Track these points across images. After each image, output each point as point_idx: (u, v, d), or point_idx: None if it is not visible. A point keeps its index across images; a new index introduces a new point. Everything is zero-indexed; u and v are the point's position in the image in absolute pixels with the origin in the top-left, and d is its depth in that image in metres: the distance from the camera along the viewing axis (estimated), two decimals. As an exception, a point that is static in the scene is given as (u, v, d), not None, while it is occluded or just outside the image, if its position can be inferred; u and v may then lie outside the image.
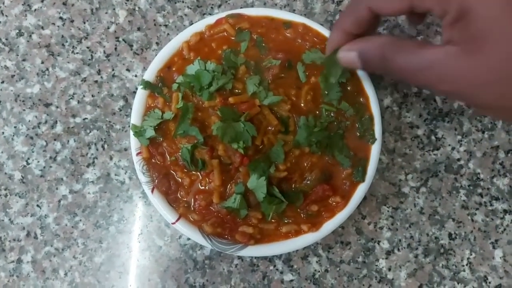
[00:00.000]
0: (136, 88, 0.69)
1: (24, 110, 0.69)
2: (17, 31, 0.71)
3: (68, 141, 0.69)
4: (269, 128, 0.60)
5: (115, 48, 0.70)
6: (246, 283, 0.65)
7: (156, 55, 0.64)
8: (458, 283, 0.65)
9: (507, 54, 0.29)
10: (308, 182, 0.60)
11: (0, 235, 0.67)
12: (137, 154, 0.61)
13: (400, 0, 0.32)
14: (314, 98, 0.62)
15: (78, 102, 0.69)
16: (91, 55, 0.70)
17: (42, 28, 0.71)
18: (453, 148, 0.68)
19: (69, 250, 0.66)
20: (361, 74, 0.62)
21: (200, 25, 0.64)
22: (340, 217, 0.60)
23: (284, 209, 0.59)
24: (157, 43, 0.70)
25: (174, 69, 0.63)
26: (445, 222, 0.67)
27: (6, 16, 0.72)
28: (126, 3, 0.71)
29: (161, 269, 0.66)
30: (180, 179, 0.61)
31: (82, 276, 0.66)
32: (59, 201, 0.67)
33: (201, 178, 0.60)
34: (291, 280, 0.65)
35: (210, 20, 0.64)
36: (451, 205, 0.67)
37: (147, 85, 0.62)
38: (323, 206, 0.60)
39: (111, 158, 0.68)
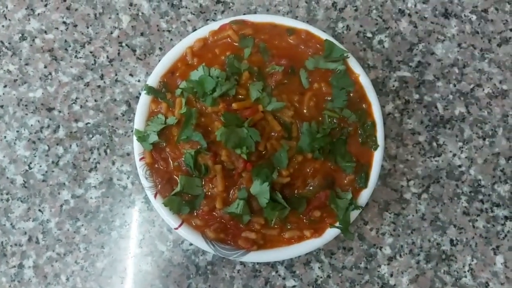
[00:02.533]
0: (139, 93, 0.69)
1: (26, 114, 0.69)
2: (20, 35, 0.71)
3: (71, 145, 0.69)
4: (272, 134, 0.60)
5: (118, 53, 0.71)
6: (248, 288, 0.65)
7: (159, 60, 0.64)
8: (459, 289, 0.66)
9: None
10: (311, 188, 0.60)
11: (1, 240, 0.67)
12: (140, 159, 0.61)
13: None
14: (317, 104, 0.62)
15: (81, 106, 0.69)
16: (94, 60, 0.71)
17: (45, 32, 0.71)
18: (454, 155, 0.69)
19: (71, 255, 0.66)
20: (363, 81, 0.62)
21: (204, 31, 0.64)
22: (343, 223, 0.60)
23: (287, 215, 0.59)
24: (160, 49, 0.71)
25: (177, 74, 0.63)
26: (446, 228, 0.67)
27: (9, 20, 0.72)
28: (129, 8, 0.72)
29: (163, 274, 0.66)
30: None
31: (84, 281, 0.66)
32: (61, 206, 0.67)
33: (204, 183, 0.60)
34: (294, 286, 0.65)
35: (213, 26, 0.64)
36: (452, 211, 0.67)
37: (150, 90, 0.62)
38: (326, 212, 0.60)
39: (113, 163, 0.68)
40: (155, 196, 0.60)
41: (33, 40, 0.71)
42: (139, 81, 0.70)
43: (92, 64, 0.70)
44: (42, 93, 0.70)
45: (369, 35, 0.72)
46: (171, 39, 0.71)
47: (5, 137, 0.69)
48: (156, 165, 0.61)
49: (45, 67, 0.71)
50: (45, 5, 0.72)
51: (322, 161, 0.61)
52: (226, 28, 0.64)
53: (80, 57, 0.71)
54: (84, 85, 0.70)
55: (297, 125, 0.61)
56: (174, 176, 0.61)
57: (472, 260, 0.66)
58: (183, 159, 0.60)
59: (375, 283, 0.66)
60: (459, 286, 0.66)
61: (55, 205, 0.67)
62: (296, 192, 0.60)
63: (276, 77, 0.62)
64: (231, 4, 0.72)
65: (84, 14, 0.72)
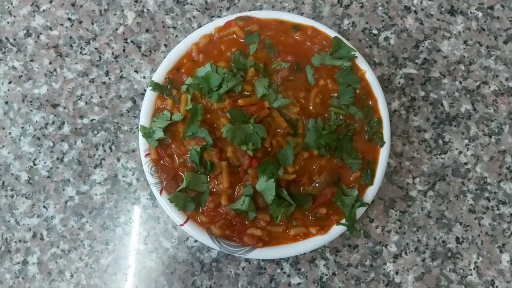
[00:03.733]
0: (144, 90, 0.69)
1: (31, 110, 0.69)
2: (25, 31, 0.71)
3: (76, 142, 0.68)
4: (278, 130, 0.60)
5: (124, 50, 0.70)
6: (253, 286, 0.65)
7: (164, 56, 0.64)
8: (465, 287, 0.65)
9: None
10: (317, 185, 0.60)
11: (6, 236, 0.67)
12: (146, 155, 0.61)
13: None
14: (323, 101, 0.62)
15: (86, 103, 0.69)
16: (99, 56, 0.70)
17: (50, 28, 0.71)
18: (460, 152, 0.68)
19: (76, 251, 0.66)
20: (369, 77, 0.62)
21: (209, 27, 0.64)
22: (349, 220, 0.60)
23: (292, 212, 0.59)
24: (165, 45, 0.71)
25: (183, 70, 0.63)
26: (452, 226, 0.67)
27: (14, 16, 0.72)
28: (134, 5, 0.72)
29: (167, 271, 0.65)
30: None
31: (88, 278, 0.65)
32: (66, 202, 0.67)
33: (209, 180, 0.60)
34: (299, 283, 0.65)
35: (219, 22, 0.64)
36: (458, 209, 0.67)
37: (156, 86, 0.62)
38: (332, 209, 0.60)
39: (118, 160, 0.68)
40: (160, 193, 0.60)
41: (38, 36, 0.71)
42: (144, 77, 0.70)
43: (97, 60, 0.70)
44: (47, 90, 0.70)
45: (375, 32, 0.71)
46: (176, 36, 0.71)
47: (10, 133, 0.69)
48: (161, 162, 0.61)
49: (50, 63, 0.70)
50: (50, 2, 0.72)
51: (328, 158, 0.60)
52: (231, 25, 0.64)
53: (85, 54, 0.71)
54: (89, 82, 0.70)
55: (303, 122, 0.61)
56: (180, 173, 0.61)
57: (478, 258, 0.66)
58: (188, 155, 0.60)
59: (381, 281, 0.65)
60: (465, 284, 0.65)
61: (59, 201, 0.67)
62: (302, 189, 0.60)
63: (282, 74, 0.61)
64: (236, 0, 0.72)
65: (89, 10, 0.72)
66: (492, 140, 0.69)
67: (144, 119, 0.62)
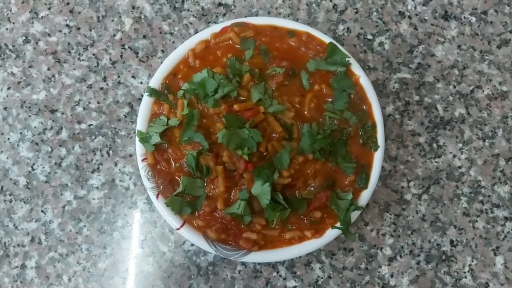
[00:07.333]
0: (142, 95, 0.70)
1: (30, 116, 0.70)
2: (24, 38, 0.72)
3: (73, 147, 0.69)
4: (273, 135, 0.61)
5: (121, 56, 0.71)
6: (249, 289, 0.66)
7: (161, 62, 0.65)
8: (460, 290, 0.66)
9: None
10: (312, 189, 0.61)
11: (4, 241, 0.67)
12: (143, 160, 0.62)
13: None
14: (318, 105, 0.62)
15: (84, 108, 0.70)
16: (97, 62, 0.71)
17: (49, 35, 0.72)
18: (454, 156, 0.69)
19: (73, 255, 0.67)
20: (364, 82, 0.63)
21: (206, 33, 0.65)
22: (344, 223, 0.60)
23: (287, 216, 0.60)
24: (162, 51, 0.71)
25: (179, 76, 0.64)
26: (446, 229, 0.67)
27: (13, 23, 0.72)
28: (132, 11, 0.72)
29: (164, 275, 0.66)
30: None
31: (86, 282, 0.66)
32: (64, 206, 0.68)
33: (205, 184, 0.60)
34: (294, 287, 0.66)
35: (215, 28, 0.65)
36: (452, 212, 0.68)
37: (152, 92, 0.63)
38: (327, 213, 0.61)
39: (116, 164, 0.69)
40: (157, 197, 0.61)
41: (37, 42, 0.72)
42: (141, 83, 0.71)
43: (95, 66, 0.71)
44: (46, 95, 0.71)
45: (369, 37, 0.72)
46: (173, 42, 0.72)
47: (8, 138, 0.70)
48: (158, 166, 0.62)
49: (49, 69, 0.71)
50: (49, 8, 0.73)
51: (322, 162, 0.61)
52: (227, 31, 0.64)
53: (83, 60, 0.71)
54: (87, 87, 0.71)
55: (298, 126, 0.61)
56: (176, 177, 0.61)
57: (472, 261, 0.66)
58: (185, 160, 0.60)
59: (376, 284, 0.66)
60: (459, 287, 0.66)
61: (57, 206, 0.68)
62: (297, 192, 0.61)
63: (277, 79, 0.62)
64: (232, 7, 0.73)
65: (87, 17, 0.73)
66: (486, 143, 0.69)
67: (141, 124, 0.63)
